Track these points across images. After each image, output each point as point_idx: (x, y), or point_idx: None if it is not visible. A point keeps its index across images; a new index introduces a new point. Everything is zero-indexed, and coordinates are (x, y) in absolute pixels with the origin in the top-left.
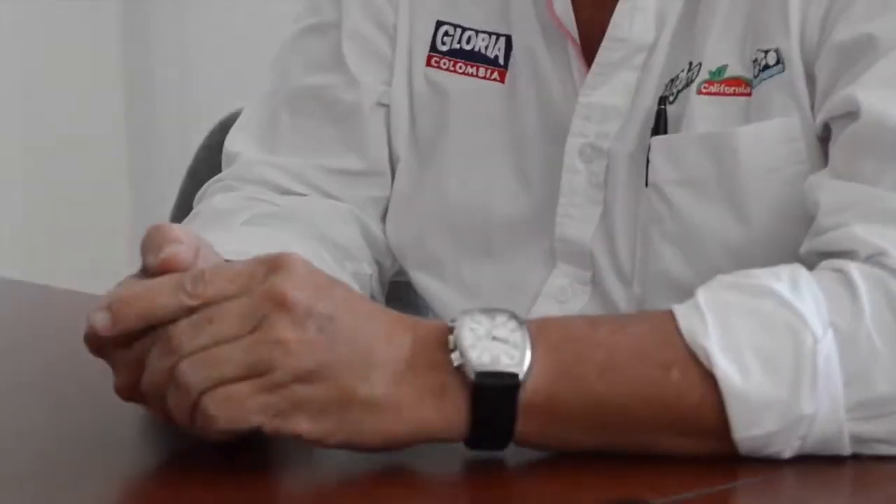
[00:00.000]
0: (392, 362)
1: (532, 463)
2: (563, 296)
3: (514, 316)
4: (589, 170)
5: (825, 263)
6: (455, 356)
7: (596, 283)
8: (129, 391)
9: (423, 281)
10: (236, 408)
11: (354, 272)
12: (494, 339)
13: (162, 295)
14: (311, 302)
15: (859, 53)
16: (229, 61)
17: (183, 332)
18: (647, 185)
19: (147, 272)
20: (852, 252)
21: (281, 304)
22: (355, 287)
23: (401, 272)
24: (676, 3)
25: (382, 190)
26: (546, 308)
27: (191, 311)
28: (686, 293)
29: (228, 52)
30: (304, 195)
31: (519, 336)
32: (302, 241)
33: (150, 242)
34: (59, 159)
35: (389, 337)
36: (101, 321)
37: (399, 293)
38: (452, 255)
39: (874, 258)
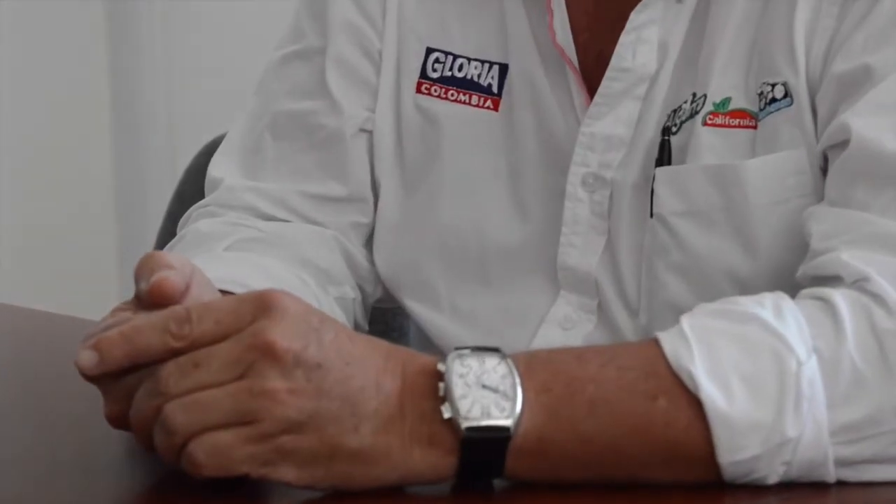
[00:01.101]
0: (381, 411)
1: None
2: (567, 323)
3: (503, 359)
4: (592, 199)
5: (808, 292)
6: (445, 408)
7: (602, 311)
8: (119, 420)
9: (417, 309)
10: (223, 457)
11: (338, 296)
12: (484, 387)
13: (148, 335)
14: (299, 349)
15: (856, 84)
16: (215, 85)
17: (170, 375)
18: (651, 215)
19: (139, 299)
20: (838, 277)
21: (268, 352)
22: (339, 312)
23: (383, 299)
24: (679, 34)
25: (365, 216)
26: (550, 334)
27: (177, 352)
28: None
29: (215, 76)
30: (287, 221)
31: (509, 383)
32: (284, 266)
33: (143, 269)
34: (46, 181)
35: (378, 384)
36: (88, 361)
37: (383, 317)
38: (447, 282)
39: (858, 283)
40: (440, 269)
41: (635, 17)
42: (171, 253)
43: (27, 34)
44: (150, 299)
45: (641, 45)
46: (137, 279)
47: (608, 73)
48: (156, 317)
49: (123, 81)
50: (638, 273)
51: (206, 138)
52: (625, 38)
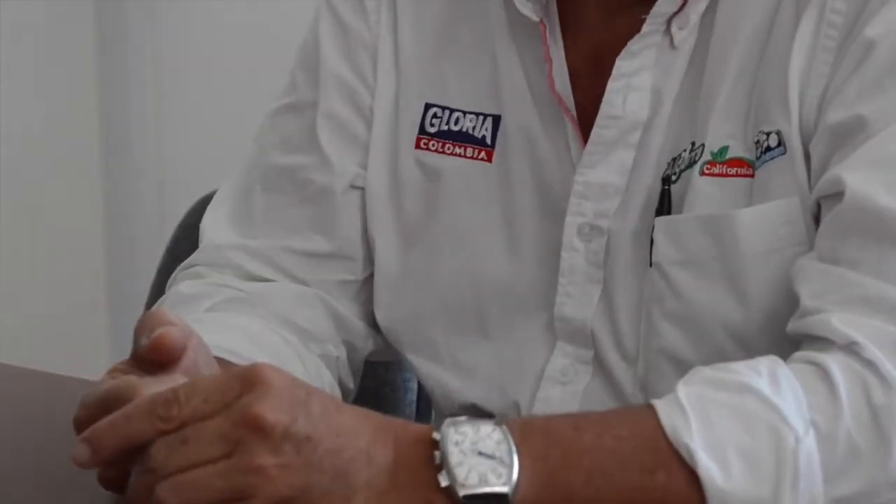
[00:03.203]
0: (374, 483)
1: None
2: (564, 377)
3: (498, 426)
4: (588, 248)
5: (801, 355)
6: (442, 477)
7: (598, 361)
8: (112, 483)
9: (418, 362)
10: None
11: (321, 354)
12: (480, 454)
13: (137, 422)
14: (288, 423)
15: (850, 134)
16: (207, 141)
17: (159, 452)
18: (651, 264)
19: (137, 357)
20: (828, 341)
21: (256, 427)
22: (324, 370)
23: (377, 352)
24: (673, 82)
25: (351, 273)
26: (550, 391)
27: (166, 433)
28: (688, 372)
29: (206, 132)
30: (272, 280)
31: (505, 449)
32: (266, 326)
33: (144, 326)
34: (36, 237)
35: (370, 454)
36: (83, 456)
37: (374, 372)
38: (447, 336)
39: (849, 348)
40: (440, 323)
41: (622, 65)
42: (170, 312)
43: (16, 91)
44: (150, 354)
45: (632, 93)
46: (138, 336)
47: (598, 120)
48: (143, 402)
49: (114, 136)
50: (635, 322)
51: (198, 194)
52: (613, 85)
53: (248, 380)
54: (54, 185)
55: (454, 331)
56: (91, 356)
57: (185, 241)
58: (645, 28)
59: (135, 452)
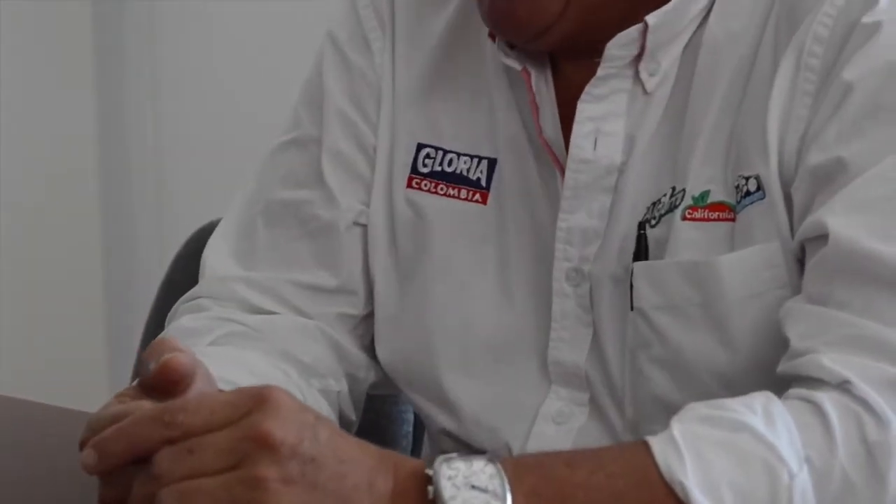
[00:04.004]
0: None
1: None
2: (560, 417)
3: (491, 460)
4: (576, 293)
5: (796, 392)
6: None
7: (593, 403)
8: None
9: (415, 398)
10: None
11: (321, 389)
12: (473, 487)
13: (144, 428)
14: (295, 442)
15: (830, 177)
16: (206, 172)
17: (163, 461)
18: (632, 308)
19: (146, 380)
20: (820, 380)
21: (264, 442)
22: (323, 404)
23: (379, 384)
24: (649, 126)
25: (353, 307)
26: (543, 429)
27: (173, 442)
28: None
29: (205, 162)
30: (275, 313)
31: (498, 483)
32: (267, 360)
33: (152, 353)
34: (34, 269)
35: (371, 483)
36: (90, 460)
37: (372, 406)
38: (439, 374)
39: (842, 386)
40: (432, 361)
41: (585, 108)
42: (177, 340)
43: (17, 118)
44: (157, 379)
45: (603, 137)
46: (146, 362)
47: (569, 164)
48: (151, 409)
49: (113, 167)
50: (622, 366)
51: (196, 225)
52: (579, 129)
53: (258, 398)
54: (52, 215)
55: (446, 369)
56: (89, 386)
57: (183, 271)
58: (600, 72)
59: (140, 462)
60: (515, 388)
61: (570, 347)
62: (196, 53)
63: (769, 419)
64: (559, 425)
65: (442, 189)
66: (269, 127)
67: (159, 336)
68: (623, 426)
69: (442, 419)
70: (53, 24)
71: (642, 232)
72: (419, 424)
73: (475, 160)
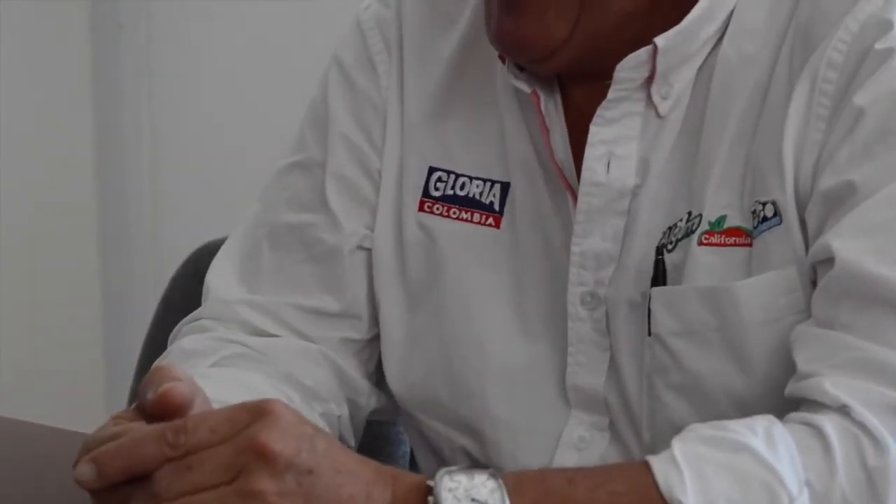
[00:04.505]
0: None
1: None
2: (582, 443)
3: (492, 475)
4: (592, 317)
5: (797, 416)
6: None
7: (613, 428)
8: None
9: (428, 422)
10: None
11: (323, 413)
12: (473, 500)
13: (144, 446)
14: (292, 453)
15: (841, 200)
16: (203, 193)
17: (163, 478)
18: (650, 334)
19: (142, 409)
20: (822, 404)
21: (261, 454)
22: (325, 429)
23: (380, 411)
24: (663, 149)
25: (357, 332)
26: (565, 455)
27: (173, 460)
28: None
29: (202, 183)
30: (277, 335)
31: (498, 497)
32: (269, 382)
33: (151, 381)
34: (32, 287)
35: (369, 495)
36: (87, 474)
37: (369, 428)
38: (455, 399)
39: (842, 410)
40: (447, 386)
41: (597, 131)
42: (177, 367)
43: (14, 140)
44: (156, 408)
45: (616, 160)
46: (145, 390)
47: (581, 188)
48: (152, 428)
49: (110, 188)
50: (640, 390)
51: (193, 245)
52: (591, 152)
53: (257, 411)
54: (50, 236)
55: (461, 394)
56: (86, 406)
57: (180, 291)
58: (611, 95)
59: (137, 480)
60: (535, 412)
61: (587, 372)
62: (194, 73)
63: (770, 441)
64: (581, 451)
65: (454, 213)
66: (269, 147)
67: (159, 361)
68: (640, 451)
69: (462, 441)
70: (49, 60)
71: (660, 257)
72: None
73: (488, 184)
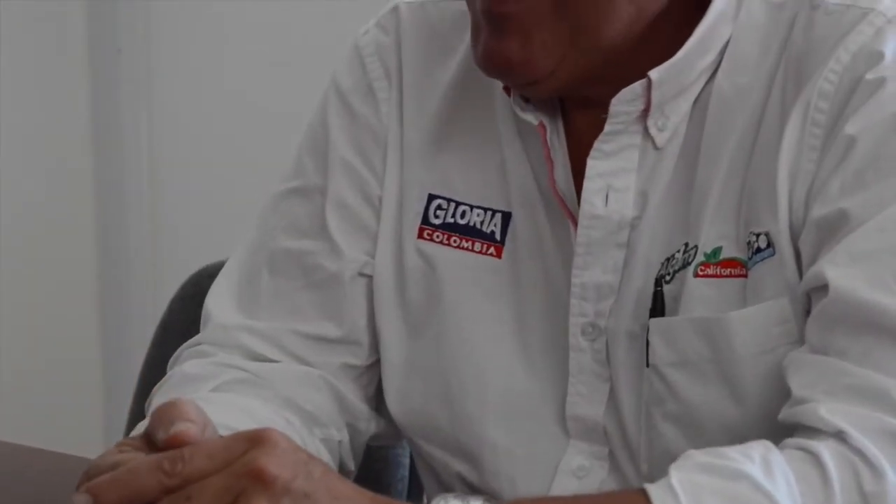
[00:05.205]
0: None
1: None
2: (581, 472)
3: (487, 501)
4: (592, 348)
5: (794, 442)
6: None
7: (613, 458)
8: None
9: (429, 449)
10: None
11: (323, 438)
12: None
13: (142, 477)
14: (289, 478)
15: (833, 228)
16: (202, 213)
17: None
18: (648, 365)
19: (149, 440)
20: (818, 430)
21: (259, 478)
22: (325, 453)
23: (380, 436)
24: (661, 181)
25: (357, 358)
26: (564, 483)
27: (171, 490)
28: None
29: (201, 207)
30: (277, 361)
31: None
32: (269, 407)
33: (163, 417)
34: (30, 313)
35: None
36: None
37: (367, 450)
38: (456, 427)
39: (838, 436)
40: (446, 413)
41: (595, 164)
42: (190, 403)
43: (11, 163)
44: (167, 447)
45: (614, 193)
46: (156, 426)
47: (581, 220)
48: (150, 458)
49: (109, 211)
50: (638, 421)
51: (191, 269)
52: (589, 185)
53: (253, 439)
54: (49, 258)
55: (462, 423)
56: (85, 431)
57: (179, 314)
58: (607, 128)
59: None
60: (534, 441)
61: (587, 402)
62: (192, 97)
63: (767, 468)
64: (581, 479)
65: (455, 241)
66: (267, 171)
67: (160, 386)
68: (639, 481)
69: (460, 468)
70: (48, 84)
71: (659, 288)
72: (415, 469)
73: (489, 213)
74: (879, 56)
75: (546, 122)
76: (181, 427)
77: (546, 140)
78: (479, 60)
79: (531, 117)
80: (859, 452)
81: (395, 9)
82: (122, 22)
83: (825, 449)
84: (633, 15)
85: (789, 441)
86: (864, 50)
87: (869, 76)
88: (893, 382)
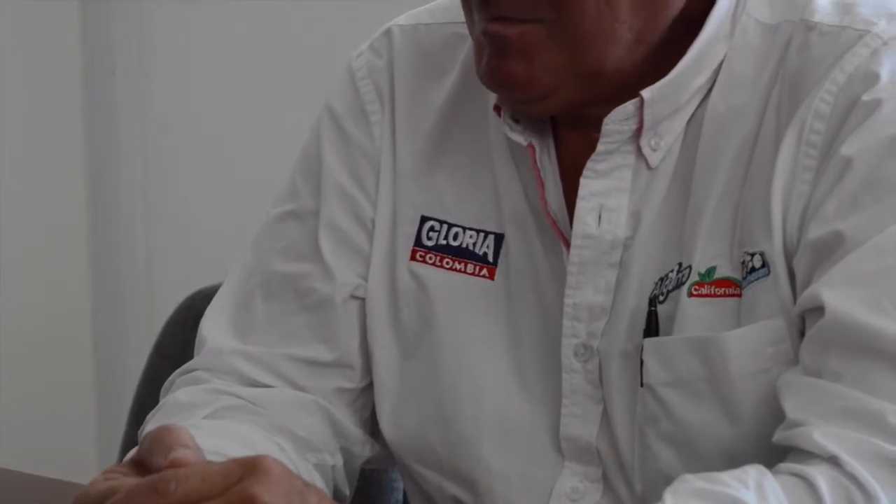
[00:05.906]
0: None
1: None
2: (575, 494)
3: None
4: (585, 369)
5: (787, 467)
6: None
7: (607, 479)
8: None
9: (423, 472)
10: None
11: (316, 463)
12: None
13: (135, 498)
14: None
15: (829, 250)
16: (196, 237)
17: None
18: (642, 385)
19: (144, 471)
20: (811, 454)
21: None
22: (318, 479)
23: (374, 459)
24: (654, 200)
25: (350, 381)
26: None
27: None
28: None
29: (195, 229)
30: (271, 386)
31: None
32: (263, 434)
33: (160, 444)
34: (24, 335)
35: None
36: None
37: (361, 473)
38: (449, 449)
39: (831, 461)
40: (440, 435)
41: (588, 184)
42: (185, 431)
43: (5, 186)
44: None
45: (607, 213)
46: (153, 451)
47: (573, 240)
48: (144, 480)
49: (103, 234)
50: (632, 441)
51: (186, 292)
52: (582, 205)
53: (249, 466)
54: (43, 282)
55: (455, 445)
56: (79, 455)
57: (174, 337)
58: (600, 147)
59: None
60: (528, 463)
61: (581, 423)
62: (187, 120)
63: (762, 495)
64: (575, 502)
65: (447, 263)
66: (261, 196)
67: (154, 413)
68: (633, 502)
69: (455, 490)
70: (42, 106)
71: (653, 308)
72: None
73: (481, 235)
74: (875, 77)
75: (536, 142)
76: (180, 453)
77: (536, 161)
78: (482, 77)
79: (520, 138)
80: (853, 478)
81: (388, 31)
82: (116, 43)
83: (819, 474)
84: (632, 41)
85: (782, 466)
86: (860, 71)
87: (865, 97)
88: (889, 406)
